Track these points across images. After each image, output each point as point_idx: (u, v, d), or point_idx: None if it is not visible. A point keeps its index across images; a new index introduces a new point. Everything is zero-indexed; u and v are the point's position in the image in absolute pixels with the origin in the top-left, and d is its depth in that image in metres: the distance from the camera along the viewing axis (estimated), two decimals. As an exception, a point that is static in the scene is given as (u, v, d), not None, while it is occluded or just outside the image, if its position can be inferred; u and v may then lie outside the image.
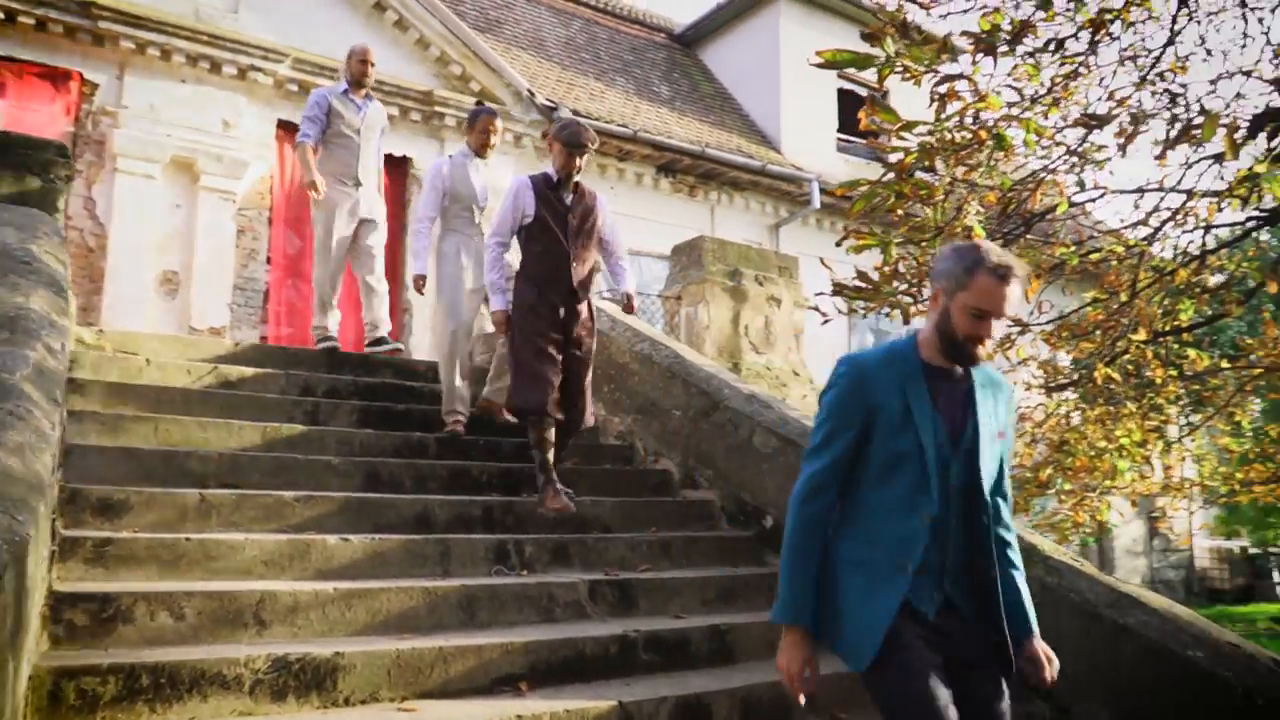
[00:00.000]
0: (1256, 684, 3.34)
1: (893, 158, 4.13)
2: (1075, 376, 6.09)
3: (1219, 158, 4.47)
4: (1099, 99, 4.87)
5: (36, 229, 4.50)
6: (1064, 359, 7.27)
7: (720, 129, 13.98)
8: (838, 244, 4.42)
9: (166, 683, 2.79)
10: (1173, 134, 4.05)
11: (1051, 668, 2.41)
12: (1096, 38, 4.38)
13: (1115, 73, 4.88)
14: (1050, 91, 4.44)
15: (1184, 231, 5.19)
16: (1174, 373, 6.16)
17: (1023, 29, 4.17)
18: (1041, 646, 2.42)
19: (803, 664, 2.33)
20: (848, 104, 15.10)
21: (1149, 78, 4.82)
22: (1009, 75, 4.43)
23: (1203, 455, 9.65)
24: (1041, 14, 4.42)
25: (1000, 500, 2.49)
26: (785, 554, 2.40)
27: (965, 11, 4.20)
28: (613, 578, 4.27)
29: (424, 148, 10.96)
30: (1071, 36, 4.44)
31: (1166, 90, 4.38)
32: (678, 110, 13.95)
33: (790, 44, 14.61)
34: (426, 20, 10.86)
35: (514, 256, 5.13)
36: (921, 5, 3.71)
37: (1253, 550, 23.70)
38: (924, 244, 4.31)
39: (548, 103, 11.51)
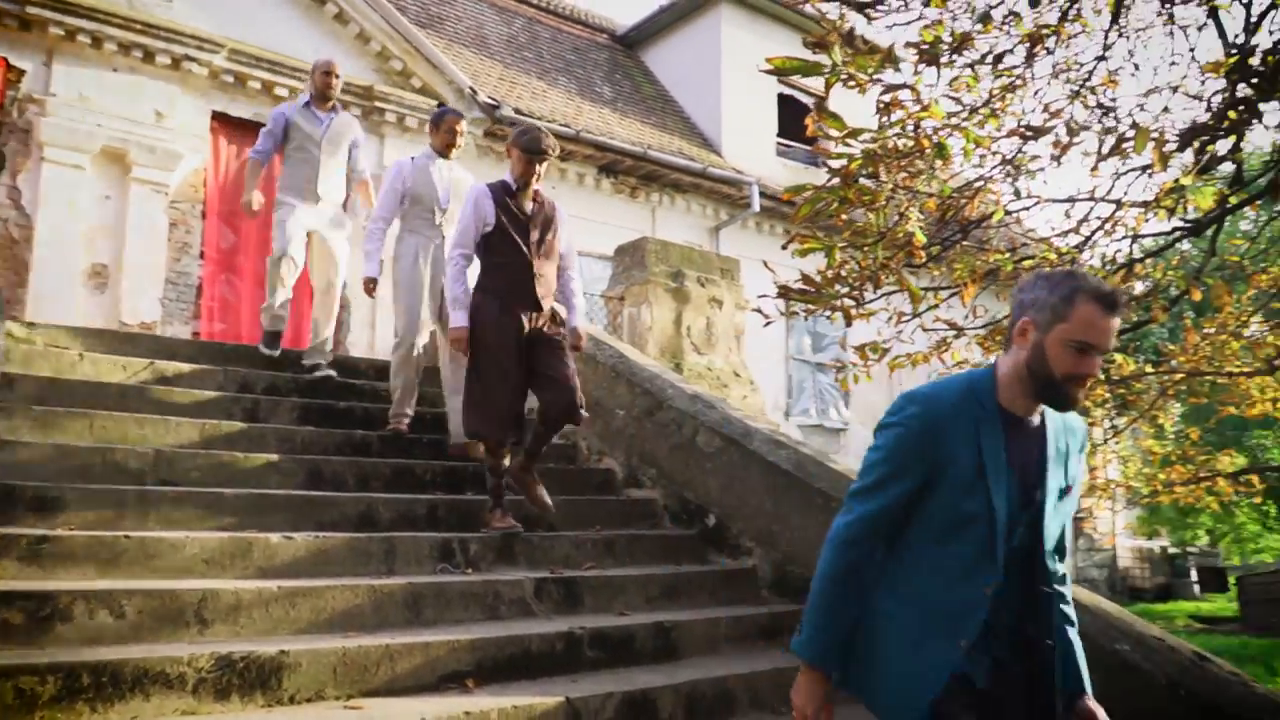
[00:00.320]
0: (1179, 676, 3.48)
1: (836, 164, 4.21)
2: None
3: (1146, 169, 4.64)
4: (1033, 110, 5.02)
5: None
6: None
7: (662, 131, 14.05)
8: (783, 247, 4.50)
9: (108, 682, 2.74)
10: (1106, 147, 4.19)
11: None
12: (1033, 51, 4.52)
13: (1050, 85, 5.03)
14: (988, 103, 4.57)
15: (1113, 240, 5.36)
16: (1101, 377, 6.35)
17: (963, 41, 4.29)
18: (1093, 705, 2.21)
19: (818, 706, 2.18)
20: (788, 109, 15.29)
21: (1081, 91, 4.98)
22: (949, 86, 4.55)
23: (1127, 457, 9.96)
24: (980, 26, 4.56)
25: (1059, 557, 2.25)
26: (820, 594, 2.17)
27: (909, 23, 4.30)
28: (558, 576, 4.29)
29: (363, 144, 10.82)
30: (1009, 51, 4.57)
31: (1100, 104, 4.53)
32: (620, 111, 13.99)
33: (731, 48, 14.74)
34: (367, 14, 10.75)
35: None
36: (867, 16, 3.79)
37: (1172, 550, 24.51)
38: (866, 248, 4.40)
39: (490, 101, 11.47)
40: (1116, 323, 2.05)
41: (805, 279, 4.43)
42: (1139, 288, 5.95)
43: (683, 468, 5.41)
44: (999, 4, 4.62)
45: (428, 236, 5.61)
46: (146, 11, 9.39)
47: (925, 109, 4.10)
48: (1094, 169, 4.44)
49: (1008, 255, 5.21)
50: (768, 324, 5.27)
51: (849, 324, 4.65)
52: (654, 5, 15.86)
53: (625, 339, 7.11)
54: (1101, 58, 4.94)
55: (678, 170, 13.19)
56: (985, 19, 4.43)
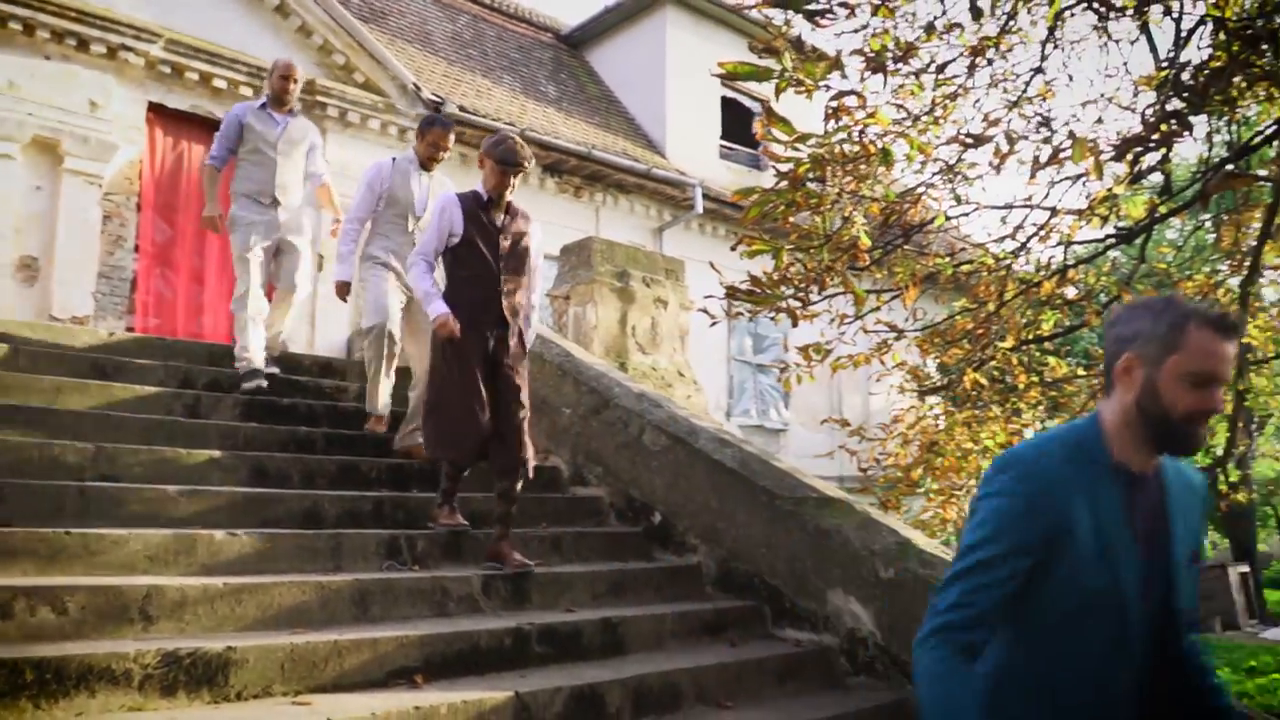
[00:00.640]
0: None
1: (784, 167, 4.29)
2: (946, 381, 6.41)
3: (1081, 178, 4.80)
4: (973, 119, 5.17)
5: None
6: (930, 365, 7.63)
7: (606, 131, 14.09)
8: (732, 248, 4.56)
9: (52, 678, 2.70)
10: (1044, 156, 4.33)
11: None
12: (974, 62, 4.65)
13: (989, 95, 5.18)
14: (931, 110, 4.69)
15: (1047, 247, 5.53)
16: (1035, 379, 6.55)
17: (908, 50, 4.40)
18: None
19: None
20: (731, 112, 15.43)
21: (1019, 102, 5.14)
22: (894, 94, 4.67)
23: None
24: (924, 36, 4.68)
25: (1192, 632, 1.96)
26: (931, 703, 1.77)
27: (856, 31, 4.40)
28: (506, 573, 4.30)
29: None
30: (951, 60, 4.71)
31: (1038, 114, 4.68)
32: (564, 111, 13.99)
33: (676, 50, 14.83)
34: (309, 7, 10.61)
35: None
36: (815, 23, 3.87)
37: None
38: (812, 251, 4.49)
39: (434, 98, 11.40)
40: (1234, 348, 1.83)
41: (754, 281, 4.50)
42: (1072, 293, 6.15)
43: (629, 466, 5.45)
44: (942, 15, 4.75)
45: (398, 242, 5.42)
46: (82, -1, 9.18)
47: (871, 115, 4.20)
48: (1031, 177, 4.58)
49: (947, 259, 5.35)
50: (714, 324, 5.35)
51: (795, 324, 4.74)
52: (599, 5, 15.91)
53: (571, 338, 7.14)
54: (1039, 70, 5.10)
55: (622, 171, 13.24)
56: (929, 29, 4.56)
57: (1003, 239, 5.43)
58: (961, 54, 4.72)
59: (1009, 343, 5.70)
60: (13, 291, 8.82)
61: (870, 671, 4.27)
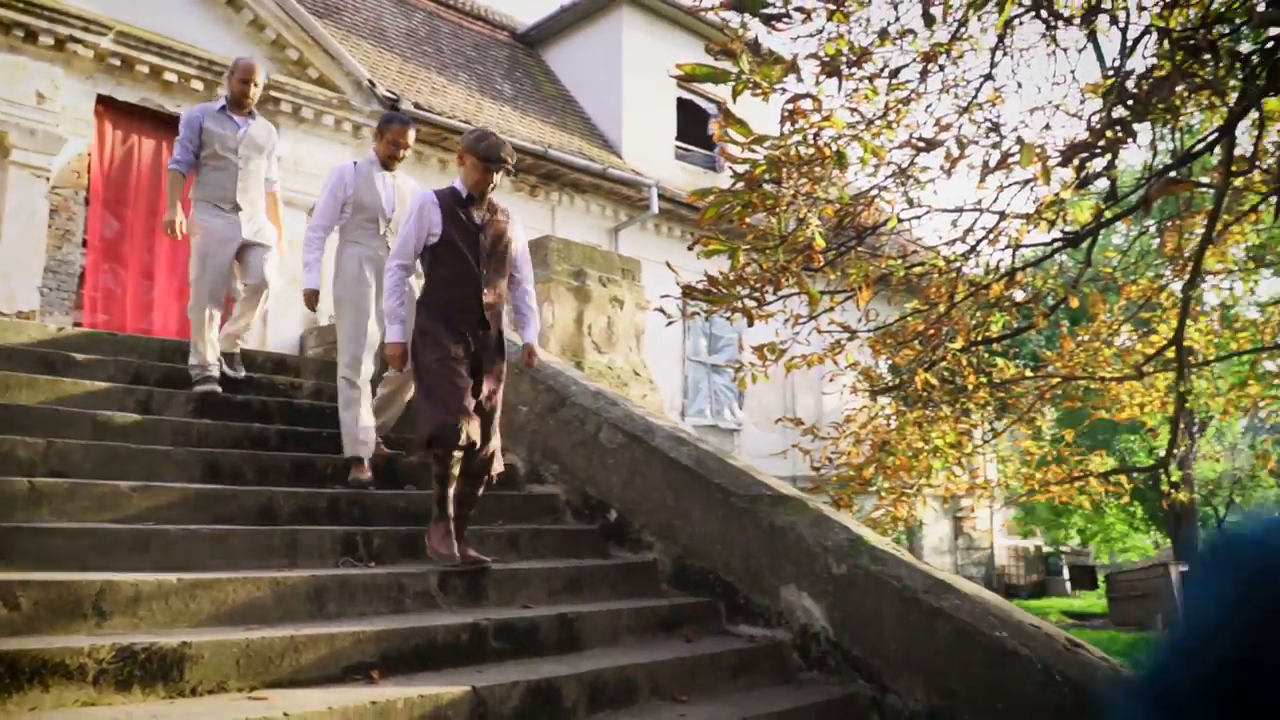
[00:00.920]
0: (1053, 660, 3.71)
1: (741, 169, 4.35)
2: (898, 381, 6.52)
3: (1029, 183, 4.92)
4: (925, 124, 5.27)
5: None
6: (882, 365, 7.76)
7: (562, 130, 14.10)
8: (689, 248, 4.61)
9: (5, 673, 2.68)
10: (993, 161, 4.43)
11: None
12: (927, 68, 4.75)
13: (940, 100, 5.29)
14: (885, 114, 4.78)
15: (996, 250, 5.65)
16: (984, 379, 6.68)
17: (862, 55, 4.48)
18: None
19: None
20: (687, 113, 15.52)
21: (969, 107, 5.25)
22: (848, 97, 4.75)
23: (1006, 458, 10.42)
24: (878, 41, 4.77)
25: None
26: None
27: (812, 35, 4.48)
28: (462, 569, 4.31)
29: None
30: (905, 66, 4.80)
31: (988, 120, 4.79)
32: (520, 109, 13.99)
33: (632, 51, 14.89)
34: (262, 1, 10.52)
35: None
36: (771, 27, 3.93)
37: (1046, 549, 25.71)
38: (767, 251, 4.56)
39: (389, 94, 11.35)
40: None
41: (711, 281, 4.56)
42: (1020, 295, 6.28)
43: (585, 463, 5.49)
44: (895, 21, 4.84)
45: (372, 248, 5.30)
46: (29, -12, 9.02)
47: (826, 118, 4.27)
48: (981, 181, 4.68)
49: (899, 261, 5.45)
50: (670, 324, 5.40)
51: (750, 324, 4.80)
52: (555, 5, 15.91)
53: (527, 336, 7.14)
54: (988, 76, 5.21)
55: (578, 170, 13.26)
56: (883, 35, 4.65)
57: (953, 242, 5.53)
58: (914, 60, 4.82)
59: (959, 344, 5.82)
60: (-45, 285, 8.65)
61: (822, 667, 4.34)
